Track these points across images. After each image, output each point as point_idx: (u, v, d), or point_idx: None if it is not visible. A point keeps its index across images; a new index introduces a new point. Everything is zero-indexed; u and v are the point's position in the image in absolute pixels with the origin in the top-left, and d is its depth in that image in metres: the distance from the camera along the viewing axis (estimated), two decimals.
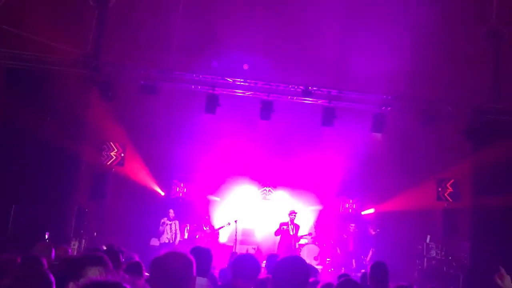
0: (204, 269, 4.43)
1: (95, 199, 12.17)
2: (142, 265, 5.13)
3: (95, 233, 12.80)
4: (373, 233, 13.07)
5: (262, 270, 5.54)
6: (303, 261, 3.46)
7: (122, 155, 12.35)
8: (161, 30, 12.88)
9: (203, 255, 4.52)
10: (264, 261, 11.63)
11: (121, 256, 4.84)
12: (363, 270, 12.23)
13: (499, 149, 11.01)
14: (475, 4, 12.56)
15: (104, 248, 6.64)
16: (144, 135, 13.50)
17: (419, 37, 12.40)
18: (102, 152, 12.36)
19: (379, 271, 5.32)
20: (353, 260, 13.02)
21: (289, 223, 12.70)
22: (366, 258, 12.52)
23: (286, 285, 3.24)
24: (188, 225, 13.72)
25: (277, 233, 12.73)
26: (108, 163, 12.34)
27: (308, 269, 3.40)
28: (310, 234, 13.38)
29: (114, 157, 12.33)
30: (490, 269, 10.90)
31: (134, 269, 4.52)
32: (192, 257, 3.02)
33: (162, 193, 14.65)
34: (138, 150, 13.38)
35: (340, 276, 6.01)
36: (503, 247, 10.92)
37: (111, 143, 12.41)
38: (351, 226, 13.54)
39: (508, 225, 11.12)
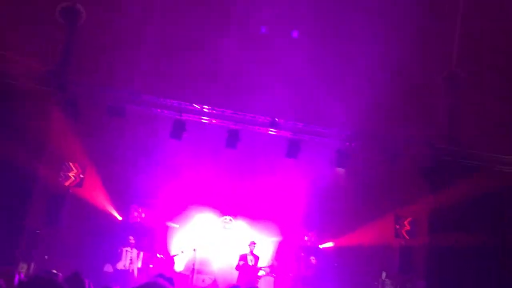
0: None
1: (50, 221, 11.70)
2: None
3: (46, 256, 12.24)
4: (314, 262, 13.20)
5: None
6: None
7: (81, 176, 12.00)
8: (130, 53, 12.78)
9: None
10: None
11: (86, 285, 4.65)
12: None
13: (455, 190, 11.41)
14: (436, 46, 13.16)
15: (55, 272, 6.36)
16: (106, 157, 13.18)
17: (383, 74, 12.82)
18: (60, 172, 11.97)
19: None
20: None
21: (248, 253, 12.59)
22: None
23: None
24: (142, 253, 13.29)
25: (237, 268, 12.61)
26: (66, 184, 11.94)
27: None
28: (270, 266, 13.27)
29: (73, 178, 11.95)
30: None
31: None
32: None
33: (120, 218, 14.24)
34: (98, 172, 13.02)
35: None
36: (456, 283, 11.22)
37: (71, 163, 12.05)
38: (312, 258, 13.53)
39: (462, 264, 11.44)
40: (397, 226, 12.81)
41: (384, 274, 13.40)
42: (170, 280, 4.75)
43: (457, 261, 11.40)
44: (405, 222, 12.78)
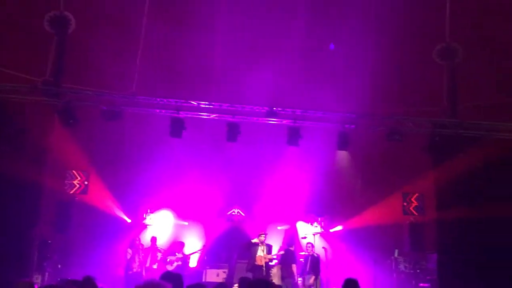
0: None
1: (59, 230, 11.77)
2: None
3: (59, 265, 12.35)
4: (292, 249, 13.17)
5: None
6: (272, 284, 3.47)
7: (86, 183, 12.06)
8: (123, 56, 12.74)
9: (173, 281, 4.45)
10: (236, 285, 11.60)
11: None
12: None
13: (458, 163, 11.37)
14: (430, 22, 13.04)
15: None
16: (108, 161, 13.24)
17: (380, 54, 12.74)
18: (64, 181, 12.03)
19: (352, 285, 5.54)
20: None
21: (260, 244, 12.64)
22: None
23: None
24: (159, 253, 13.41)
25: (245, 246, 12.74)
26: (71, 192, 12.01)
27: None
28: (280, 255, 13.32)
29: (77, 186, 12.01)
30: (457, 280, 11.13)
31: None
32: (168, 285, 2.96)
33: (129, 220, 14.33)
34: (102, 177, 13.08)
35: None
36: (467, 256, 11.22)
37: (74, 171, 12.11)
38: (308, 246, 13.45)
39: (471, 236, 11.42)
40: (405, 204, 12.80)
41: (396, 252, 13.43)
42: (177, 277, 4.75)
43: (467, 233, 11.38)
44: (412, 199, 12.77)
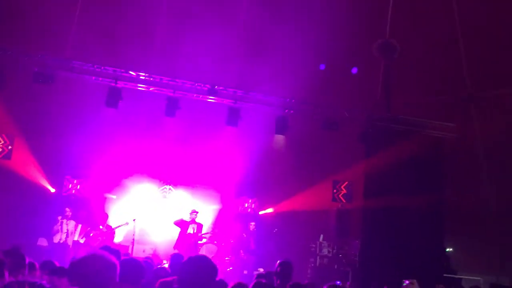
0: None
1: None
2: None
3: None
4: (253, 228, 13.51)
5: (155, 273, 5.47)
6: (210, 260, 3.44)
7: (10, 147, 11.36)
8: (59, 16, 12.02)
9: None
10: (165, 261, 11.49)
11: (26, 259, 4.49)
12: (260, 269, 12.56)
13: (388, 154, 11.94)
14: (371, 17, 13.46)
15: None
16: (36, 127, 12.48)
17: (321, 44, 12.98)
18: None
19: (286, 268, 5.69)
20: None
21: (190, 222, 12.59)
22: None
23: (193, 286, 3.24)
24: (80, 225, 12.90)
25: (176, 223, 12.61)
26: None
27: (215, 269, 3.40)
28: (211, 233, 13.37)
29: (0, 150, 11.28)
30: (376, 264, 11.76)
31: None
32: (115, 260, 2.84)
33: (53, 190, 13.67)
34: (28, 143, 12.34)
35: (259, 276, 6.22)
36: (388, 244, 11.91)
37: None
38: (251, 224, 13.74)
39: (393, 225, 12.11)
40: (335, 191, 13.27)
41: (321, 237, 13.91)
42: (116, 253, 4.63)
43: (389, 222, 12.03)
44: (342, 187, 13.27)
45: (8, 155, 11.39)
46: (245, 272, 12.84)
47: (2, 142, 11.32)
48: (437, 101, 12.62)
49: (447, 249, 13.83)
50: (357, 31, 13.49)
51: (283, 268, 5.70)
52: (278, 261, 5.85)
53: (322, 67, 13.42)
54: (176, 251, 11.95)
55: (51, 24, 11.89)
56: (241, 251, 13.35)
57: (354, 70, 13.44)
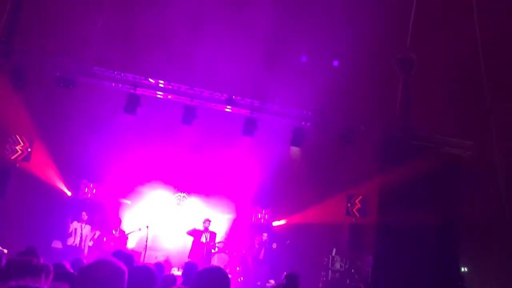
0: None
1: None
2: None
3: None
4: (266, 239, 13.42)
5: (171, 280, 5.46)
6: (224, 272, 3.43)
7: (29, 149, 11.52)
8: (83, 23, 12.26)
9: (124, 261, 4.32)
10: (175, 268, 11.50)
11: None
12: (272, 281, 12.49)
13: (404, 170, 11.81)
14: (391, 30, 13.42)
15: None
16: (55, 130, 12.70)
17: (340, 57, 12.98)
18: (5, 145, 11.45)
19: (291, 280, 5.66)
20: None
21: (203, 230, 12.61)
22: None
23: None
24: (96, 232, 13.02)
25: (189, 233, 12.62)
26: (12, 157, 11.44)
27: (229, 281, 3.39)
28: (223, 243, 13.36)
29: (20, 152, 11.46)
30: (388, 282, 11.58)
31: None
32: (124, 267, 2.86)
33: (69, 193, 13.85)
34: (47, 146, 12.54)
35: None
36: (401, 261, 11.73)
37: (17, 136, 11.54)
38: (264, 235, 13.69)
39: (408, 242, 11.93)
40: (349, 205, 13.15)
41: (334, 251, 13.79)
42: (130, 258, 4.63)
43: (404, 238, 11.86)
44: (356, 201, 13.14)
45: (27, 157, 11.57)
46: (259, 283, 12.78)
47: (22, 144, 11.49)
48: (456, 115, 12.47)
49: (462, 269, 13.59)
50: (377, 43, 13.45)
51: (288, 280, 5.69)
52: (284, 273, 5.83)
53: (304, 59, 13.35)
54: (189, 260, 11.97)
55: (76, 31, 12.14)
56: (250, 260, 13.31)
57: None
